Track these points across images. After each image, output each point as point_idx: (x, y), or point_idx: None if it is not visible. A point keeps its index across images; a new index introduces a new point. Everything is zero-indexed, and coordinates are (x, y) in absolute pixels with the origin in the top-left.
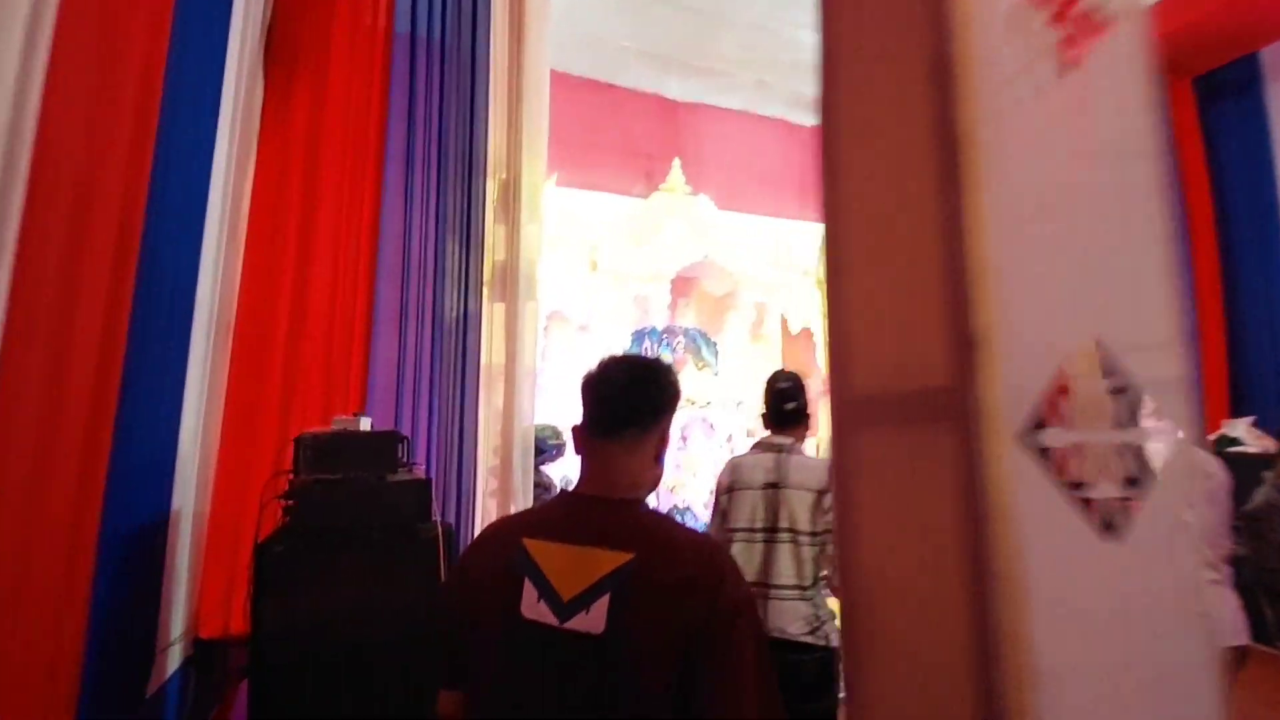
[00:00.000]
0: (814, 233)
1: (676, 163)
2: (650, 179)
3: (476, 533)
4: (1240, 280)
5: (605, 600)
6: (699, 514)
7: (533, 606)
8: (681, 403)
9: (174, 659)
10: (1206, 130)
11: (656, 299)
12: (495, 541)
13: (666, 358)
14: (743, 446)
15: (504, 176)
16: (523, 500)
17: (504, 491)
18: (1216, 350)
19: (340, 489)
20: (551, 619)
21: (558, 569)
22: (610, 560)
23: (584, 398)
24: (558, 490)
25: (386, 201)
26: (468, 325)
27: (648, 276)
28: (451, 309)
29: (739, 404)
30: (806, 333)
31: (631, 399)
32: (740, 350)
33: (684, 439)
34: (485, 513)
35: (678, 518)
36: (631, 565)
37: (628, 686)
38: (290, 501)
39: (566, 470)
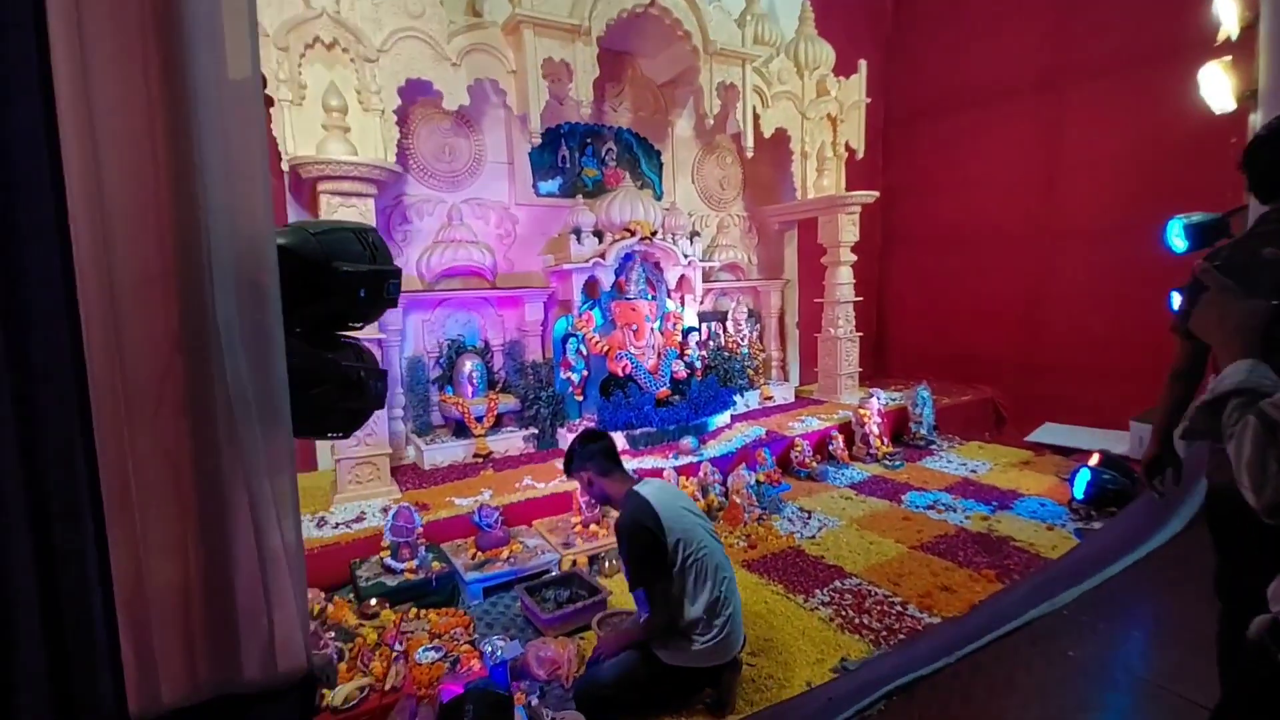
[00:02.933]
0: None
1: None
2: None
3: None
4: None
5: None
6: (643, 384)
7: None
8: (615, 233)
9: None
10: None
11: (578, 74)
12: None
13: (591, 173)
14: (699, 295)
15: None
16: (258, 432)
17: (176, 414)
18: None
19: None
20: None
21: None
22: None
23: None
24: (376, 392)
25: None
26: None
27: (559, 31)
28: None
29: (694, 235)
30: (782, 136)
31: None
32: (692, 163)
33: (620, 285)
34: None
35: (611, 388)
36: None
37: None
38: None
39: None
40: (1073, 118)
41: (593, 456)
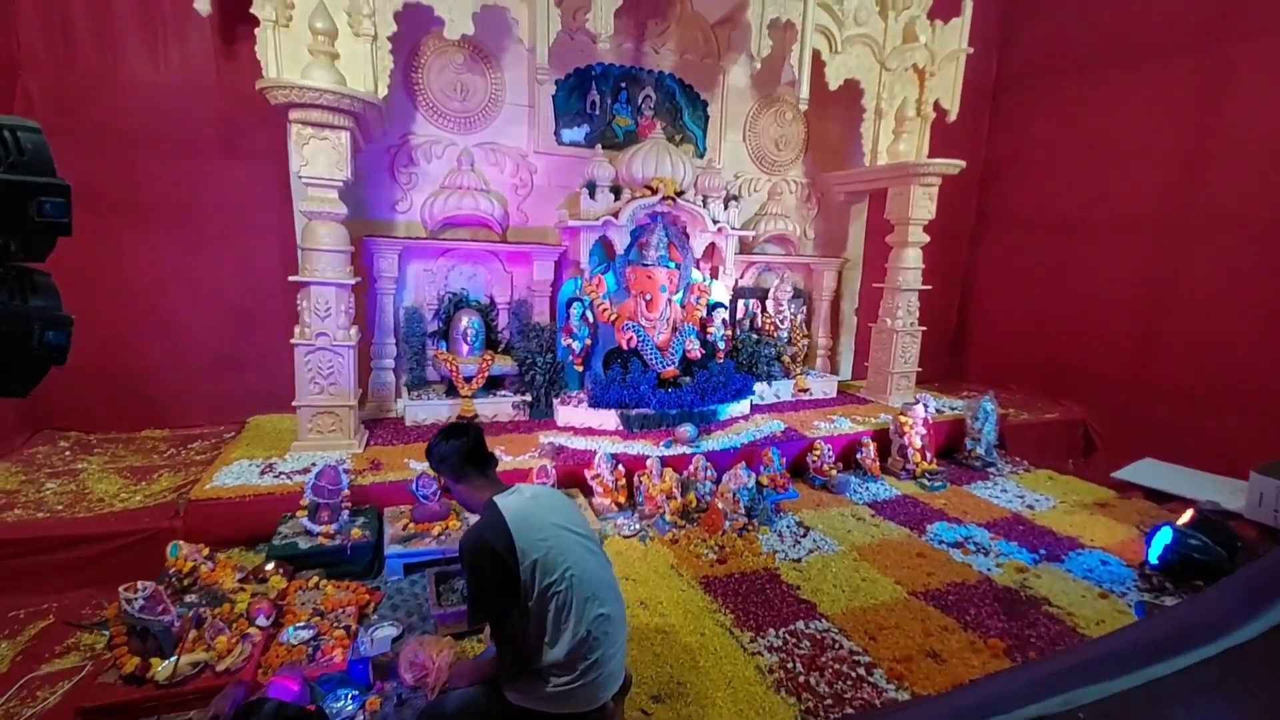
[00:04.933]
0: None
1: None
2: None
3: None
4: None
5: None
6: (649, 360)
7: None
8: (635, 190)
9: None
10: None
11: (597, 2)
12: None
13: (624, 122)
14: (732, 268)
15: None
16: None
17: None
18: None
19: None
20: None
21: None
22: None
23: None
24: (44, 344)
25: None
26: None
27: None
28: None
29: (732, 199)
30: (853, 88)
31: None
32: (746, 117)
33: (640, 246)
34: None
35: (614, 361)
36: None
37: None
38: None
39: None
40: (1237, 83)
41: (446, 459)
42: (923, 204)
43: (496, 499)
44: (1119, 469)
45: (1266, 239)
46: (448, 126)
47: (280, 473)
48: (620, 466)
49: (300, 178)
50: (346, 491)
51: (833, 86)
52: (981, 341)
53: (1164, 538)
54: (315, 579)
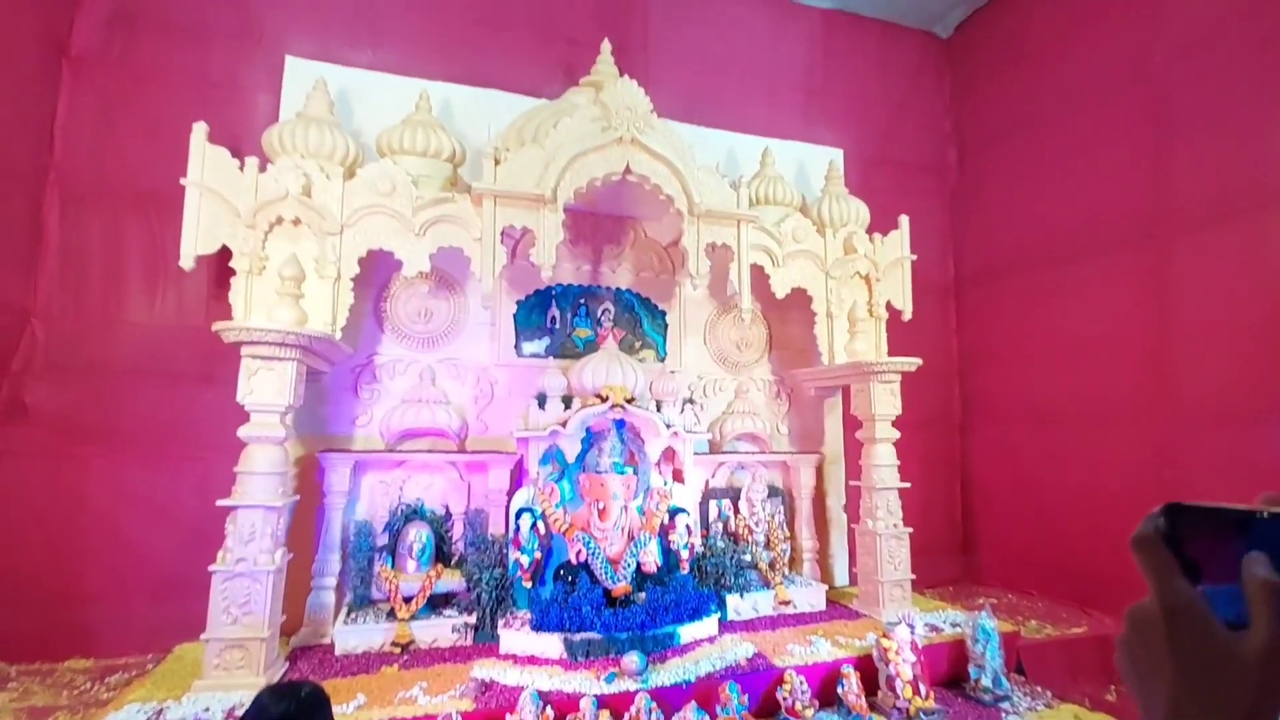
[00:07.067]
0: (817, 155)
1: (606, 46)
2: (570, 72)
3: None
4: None
5: None
6: (598, 575)
7: None
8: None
9: None
10: None
11: (541, 240)
12: None
13: (584, 333)
14: (695, 476)
15: None
16: None
17: None
18: None
19: None
20: None
21: None
22: None
23: None
24: None
25: None
26: None
27: (523, 201)
28: None
29: (687, 403)
30: (801, 296)
31: None
32: (705, 324)
33: (599, 449)
34: None
35: (563, 576)
36: None
37: None
38: None
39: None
40: (1177, 275)
41: None
42: (886, 400)
43: None
44: None
45: (1252, 428)
46: (412, 346)
47: None
48: (549, 709)
49: (244, 405)
50: None
51: (779, 296)
52: (992, 540)
53: None
54: None
